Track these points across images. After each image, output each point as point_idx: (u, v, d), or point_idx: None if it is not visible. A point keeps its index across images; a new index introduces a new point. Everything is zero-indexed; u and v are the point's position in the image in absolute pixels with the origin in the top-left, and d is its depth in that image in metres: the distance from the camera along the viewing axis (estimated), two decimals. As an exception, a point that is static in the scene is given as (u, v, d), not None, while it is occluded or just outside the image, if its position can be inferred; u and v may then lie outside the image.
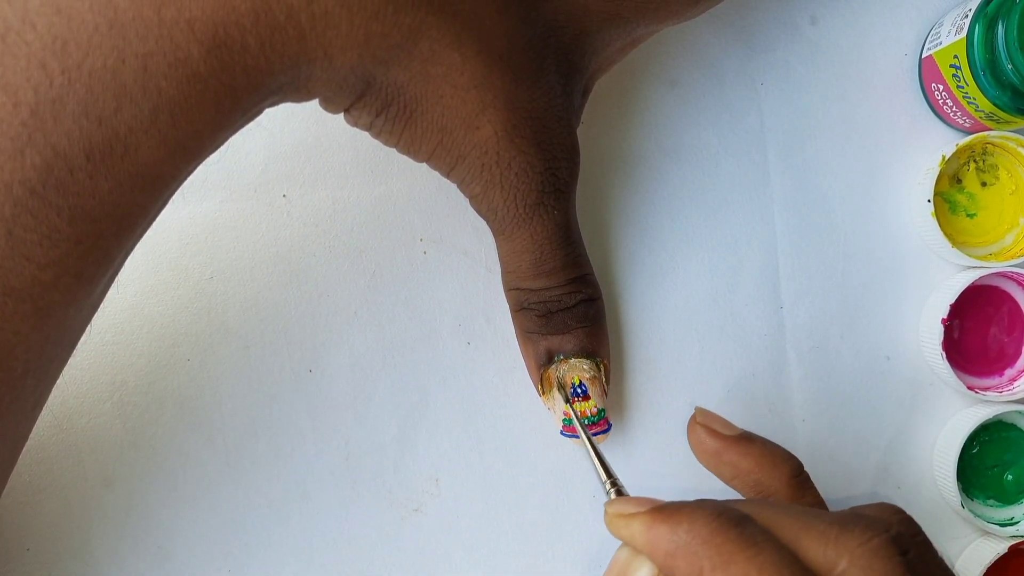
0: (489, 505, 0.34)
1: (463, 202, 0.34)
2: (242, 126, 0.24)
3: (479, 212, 0.28)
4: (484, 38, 0.24)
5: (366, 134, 0.34)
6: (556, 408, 0.31)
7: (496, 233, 0.29)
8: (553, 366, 0.31)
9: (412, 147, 0.26)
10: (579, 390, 0.31)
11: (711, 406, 0.34)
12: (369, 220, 0.34)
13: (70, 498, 0.33)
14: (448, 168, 0.27)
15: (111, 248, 0.22)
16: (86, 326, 0.25)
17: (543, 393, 0.31)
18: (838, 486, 0.35)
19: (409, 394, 0.34)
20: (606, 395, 0.31)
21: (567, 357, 0.30)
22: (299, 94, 0.24)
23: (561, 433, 0.31)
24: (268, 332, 0.33)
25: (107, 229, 0.21)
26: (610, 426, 0.32)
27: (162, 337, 0.33)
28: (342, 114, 0.26)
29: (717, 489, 0.34)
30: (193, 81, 0.21)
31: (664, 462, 0.34)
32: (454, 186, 0.34)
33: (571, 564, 0.34)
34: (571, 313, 0.30)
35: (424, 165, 0.34)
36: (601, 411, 0.31)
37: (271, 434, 0.33)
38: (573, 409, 0.30)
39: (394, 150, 0.34)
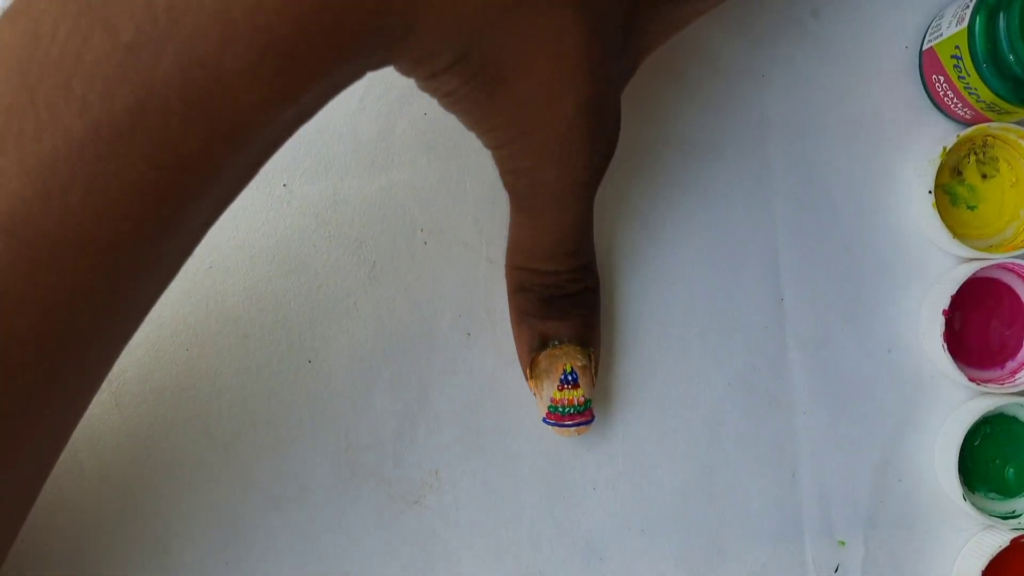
0: (489, 497, 0.33)
1: (464, 193, 0.34)
2: (340, 90, 0.22)
3: (513, 187, 0.27)
4: (591, 8, 0.23)
5: (368, 125, 0.34)
6: (543, 395, 0.31)
7: (521, 210, 0.28)
8: (546, 351, 0.30)
9: (483, 117, 0.25)
10: (570, 377, 0.30)
11: (711, 398, 0.34)
12: (369, 211, 0.34)
13: (65, 490, 0.32)
14: (507, 140, 0.25)
15: (190, 205, 0.21)
16: (155, 300, 0.23)
17: (531, 378, 0.31)
18: (839, 479, 0.34)
19: (409, 386, 0.33)
20: (594, 386, 0.31)
21: (561, 343, 0.30)
22: (401, 52, 0.22)
23: (544, 420, 0.31)
24: (267, 322, 0.33)
25: (191, 183, 0.20)
26: (593, 418, 0.32)
27: (160, 327, 0.33)
28: (416, 80, 0.24)
29: (716, 483, 0.34)
30: (306, 23, 0.19)
31: (664, 453, 0.34)
32: (455, 177, 0.34)
33: (570, 557, 0.34)
34: (572, 300, 0.30)
35: (426, 157, 0.34)
36: (588, 401, 0.31)
37: (270, 425, 0.33)
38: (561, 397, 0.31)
39: (394, 140, 0.34)
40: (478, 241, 0.34)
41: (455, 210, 0.34)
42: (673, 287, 0.34)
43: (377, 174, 0.34)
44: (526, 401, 0.34)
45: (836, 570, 0.34)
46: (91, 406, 0.32)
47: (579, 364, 0.30)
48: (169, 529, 0.32)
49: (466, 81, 0.23)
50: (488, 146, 0.26)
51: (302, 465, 0.33)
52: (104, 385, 0.32)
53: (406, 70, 0.24)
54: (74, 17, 0.19)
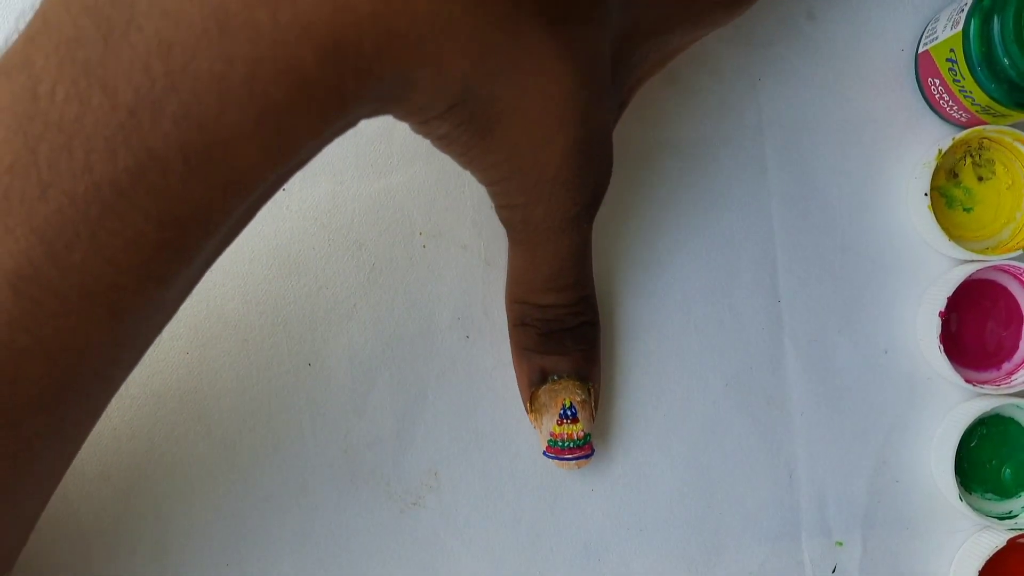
0: (487, 498, 0.34)
1: (462, 196, 0.34)
2: (337, 136, 0.23)
3: (508, 221, 0.28)
4: (581, 51, 0.23)
5: (367, 128, 0.34)
6: (543, 429, 0.32)
7: (517, 243, 0.29)
8: (545, 386, 0.31)
9: (476, 158, 0.25)
10: (569, 412, 0.31)
11: (709, 399, 0.34)
12: (368, 214, 0.34)
13: (67, 491, 0.33)
14: (500, 178, 0.26)
15: (192, 253, 0.21)
16: (157, 334, 0.24)
17: (531, 411, 0.32)
18: (836, 479, 0.35)
19: (408, 387, 0.34)
20: (593, 420, 0.32)
21: (560, 378, 0.31)
22: (397, 103, 0.23)
23: (544, 454, 0.32)
24: (267, 325, 0.33)
25: (192, 234, 0.21)
26: (593, 451, 0.32)
27: (161, 330, 0.33)
28: (409, 124, 0.25)
29: (713, 484, 0.34)
30: (303, 87, 0.20)
31: (661, 454, 0.34)
32: (453, 180, 0.34)
33: (569, 556, 0.34)
34: (571, 334, 0.30)
35: (424, 160, 0.34)
36: (587, 436, 0.32)
37: (270, 427, 0.33)
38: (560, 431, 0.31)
39: (393, 143, 0.34)
40: (477, 244, 0.34)
41: (454, 213, 0.34)
42: (670, 289, 0.35)
43: (376, 177, 0.34)
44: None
45: (834, 570, 0.35)
46: (92, 408, 0.33)
47: (578, 399, 0.31)
48: (169, 530, 0.33)
49: (458, 126, 0.24)
50: (482, 182, 0.27)
51: (302, 466, 0.33)
52: (105, 387, 0.32)
53: (400, 117, 0.24)
54: (72, 79, 0.19)
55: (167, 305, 0.23)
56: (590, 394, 0.31)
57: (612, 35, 0.25)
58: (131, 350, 0.23)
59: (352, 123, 0.23)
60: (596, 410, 0.32)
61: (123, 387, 0.33)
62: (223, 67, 0.19)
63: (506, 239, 0.30)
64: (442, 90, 0.22)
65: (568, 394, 0.31)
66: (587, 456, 0.32)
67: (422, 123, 0.24)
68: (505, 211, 0.28)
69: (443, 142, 0.25)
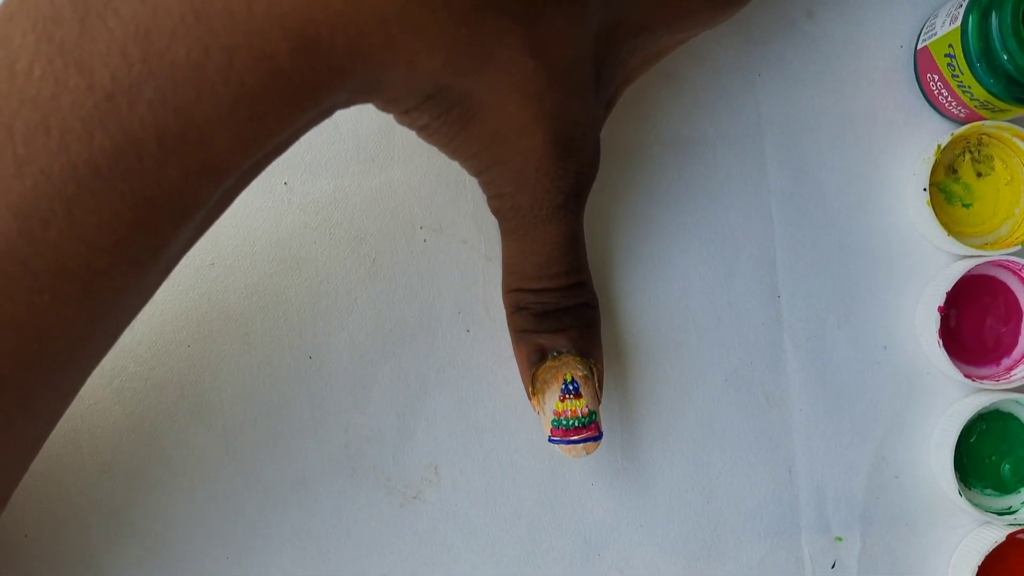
0: (487, 492, 0.34)
1: (463, 191, 0.34)
2: (313, 126, 0.23)
3: (498, 211, 0.28)
4: (555, 49, 0.24)
5: (368, 123, 0.34)
6: (546, 409, 0.30)
7: (508, 233, 0.29)
8: (545, 364, 0.30)
9: (458, 148, 0.26)
10: (571, 387, 0.29)
11: (708, 394, 0.34)
12: (369, 208, 0.34)
13: (68, 484, 0.33)
14: (484, 168, 0.27)
15: (168, 236, 0.22)
16: (132, 318, 0.24)
17: (533, 395, 0.30)
18: (835, 476, 0.35)
19: (408, 381, 0.34)
20: (599, 400, 0.30)
21: (560, 354, 0.30)
22: (371, 96, 0.23)
23: (549, 439, 0.30)
24: (268, 319, 0.33)
25: (167, 217, 0.21)
26: (601, 434, 0.30)
27: (162, 323, 0.33)
28: (392, 115, 0.26)
29: (713, 479, 0.35)
30: (276, 77, 0.20)
31: (660, 449, 0.34)
32: (454, 175, 0.34)
33: (568, 551, 0.34)
34: (568, 313, 0.30)
35: (425, 155, 0.34)
36: (592, 413, 0.30)
37: (271, 421, 0.33)
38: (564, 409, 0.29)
39: (394, 138, 0.34)
40: (477, 238, 0.34)
41: (454, 207, 0.34)
42: (670, 285, 0.35)
43: (377, 171, 0.34)
44: (524, 397, 0.34)
45: (833, 566, 0.35)
46: (94, 401, 0.33)
47: (579, 374, 0.29)
48: (170, 523, 0.33)
49: (436, 117, 0.25)
50: (470, 173, 0.28)
51: (302, 460, 0.33)
52: (106, 381, 0.33)
53: (379, 107, 0.25)
54: (48, 58, 0.19)
55: (142, 289, 0.23)
56: (592, 372, 0.30)
57: (595, 32, 0.25)
58: (103, 332, 0.23)
59: (327, 113, 0.23)
60: (601, 391, 0.30)
61: (124, 380, 0.33)
62: (199, 54, 0.20)
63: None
64: (414, 85, 0.23)
65: (569, 369, 0.29)
66: (596, 439, 0.30)
67: (403, 113, 0.25)
68: (495, 201, 0.28)
69: (426, 132, 0.26)
